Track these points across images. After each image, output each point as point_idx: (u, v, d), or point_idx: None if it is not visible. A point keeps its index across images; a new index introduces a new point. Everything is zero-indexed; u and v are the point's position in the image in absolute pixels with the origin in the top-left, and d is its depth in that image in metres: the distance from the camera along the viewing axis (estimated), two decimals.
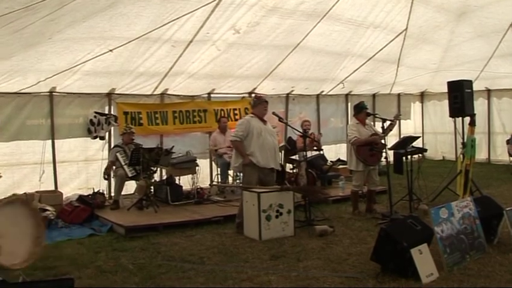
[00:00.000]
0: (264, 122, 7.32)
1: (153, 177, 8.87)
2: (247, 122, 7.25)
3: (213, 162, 10.85)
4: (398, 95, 14.92)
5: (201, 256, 6.06)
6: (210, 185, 10.61)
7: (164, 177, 9.66)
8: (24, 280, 4.99)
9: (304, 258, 5.83)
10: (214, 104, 11.23)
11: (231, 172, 10.21)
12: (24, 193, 8.58)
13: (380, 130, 8.00)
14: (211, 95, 11.23)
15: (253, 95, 11.11)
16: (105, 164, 9.29)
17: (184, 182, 9.60)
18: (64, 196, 8.89)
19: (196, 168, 9.51)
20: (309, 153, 8.58)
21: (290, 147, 10.02)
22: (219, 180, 10.32)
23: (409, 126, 15.26)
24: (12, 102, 8.68)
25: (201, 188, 9.60)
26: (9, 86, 8.20)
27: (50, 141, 9.28)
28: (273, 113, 7.60)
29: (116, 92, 9.87)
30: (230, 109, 11.39)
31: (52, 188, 9.20)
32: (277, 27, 9.29)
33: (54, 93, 9.21)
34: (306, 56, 10.65)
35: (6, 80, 8.07)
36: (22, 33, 6.20)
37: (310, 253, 6.05)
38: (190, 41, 8.78)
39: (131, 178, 8.95)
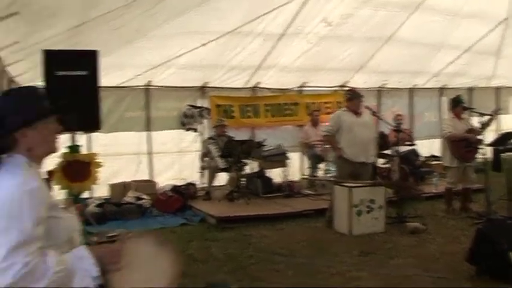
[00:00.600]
0: (359, 114, 7.21)
1: (245, 170, 9.06)
2: (337, 116, 7.26)
3: (303, 155, 10.83)
4: (497, 88, 14.03)
5: (291, 249, 6.12)
6: (300, 178, 10.63)
7: (255, 170, 9.80)
8: None
9: (395, 256, 5.72)
10: (305, 97, 11.21)
11: (321, 165, 10.16)
12: (122, 182, 9.10)
13: (477, 125, 7.61)
14: (303, 88, 11.20)
15: (345, 88, 10.96)
16: (197, 155, 9.58)
17: (275, 174, 9.68)
18: (158, 186, 9.28)
19: (287, 161, 9.55)
20: (402, 148, 8.33)
21: (382, 142, 9.78)
22: (310, 173, 10.31)
23: (508, 122, 14.27)
24: (112, 95, 9.15)
25: (292, 181, 9.61)
26: (109, 80, 8.64)
27: (146, 133, 9.74)
28: (366, 107, 7.48)
29: (209, 86, 10.13)
30: (322, 102, 11.30)
31: (147, 177, 9.64)
32: (370, 19, 9.10)
33: (150, 87, 9.67)
34: (399, 48, 10.33)
35: (107, 75, 8.49)
36: (121, 30, 6.54)
37: (402, 251, 5.93)
38: (282, 35, 8.83)
39: (223, 170, 9.16)
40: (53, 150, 2.11)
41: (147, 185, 9.10)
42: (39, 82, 7.22)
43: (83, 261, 1.94)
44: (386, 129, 9.19)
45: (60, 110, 2.15)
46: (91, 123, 4.79)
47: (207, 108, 10.07)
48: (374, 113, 7.60)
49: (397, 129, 7.89)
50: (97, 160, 4.39)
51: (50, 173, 4.06)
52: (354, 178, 7.04)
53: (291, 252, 5.98)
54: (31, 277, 1.78)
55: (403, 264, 5.44)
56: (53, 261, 1.86)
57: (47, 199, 1.94)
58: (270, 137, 10.14)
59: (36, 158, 2.03)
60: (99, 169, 4.48)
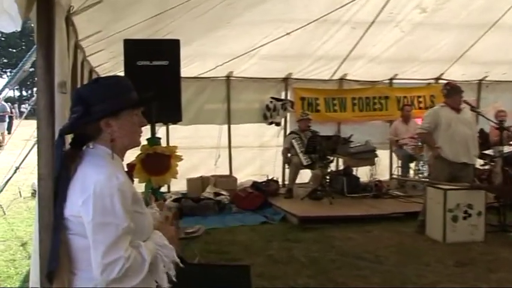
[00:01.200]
0: (458, 110, 6.91)
1: (329, 167, 8.98)
2: (434, 112, 7.02)
3: (393, 154, 10.56)
4: None
5: (378, 254, 5.97)
6: (389, 178, 10.36)
7: (341, 167, 9.67)
8: (199, 261, 5.39)
9: (496, 269, 5.41)
10: (396, 91, 10.91)
11: (412, 165, 9.86)
12: (201, 176, 9.27)
13: None
14: (394, 81, 10.90)
15: (440, 81, 10.53)
16: (279, 151, 9.59)
17: (362, 173, 9.52)
18: (238, 181, 9.38)
19: (376, 159, 9.37)
20: (505, 148, 7.88)
21: (482, 141, 9.30)
22: (400, 173, 10.04)
23: None
24: (192, 86, 9.32)
25: (380, 181, 9.40)
26: (189, 70, 8.83)
27: (226, 126, 9.89)
28: (465, 101, 7.13)
29: (292, 77, 10.11)
30: (414, 96, 10.95)
31: (227, 172, 9.78)
32: (470, 4, 8.61)
33: (231, 78, 9.78)
34: (504, 36, 9.73)
35: (187, 65, 8.66)
36: (203, 18, 6.60)
37: (505, 264, 5.61)
38: (372, 22, 8.59)
39: (306, 167, 9.13)
40: (136, 142, 2.16)
41: (226, 181, 9.23)
42: (120, 72, 7.52)
43: (166, 249, 2.06)
44: (487, 127, 8.75)
45: (146, 102, 2.21)
46: (172, 114, 4.86)
47: (290, 101, 10.06)
48: (473, 108, 7.27)
49: (500, 127, 7.46)
50: (178, 153, 4.45)
51: (131, 166, 4.16)
52: (452, 181, 6.75)
53: (377, 258, 5.83)
54: (132, 271, 1.87)
55: (505, 279, 5.12)
56: (147, 252, 1.94)
57: (132, 193, 1.98)
58: (357, 133, 9.92)
59: (119, 150, 2.07)
60: (179, 163, 4.55)
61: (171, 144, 8.33)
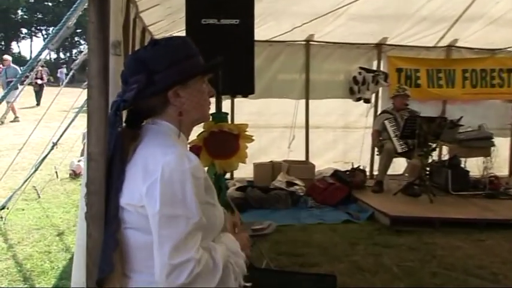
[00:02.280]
0: None
1: (431, 156, 8.78)
2: None
3: None
4: None
5: (494, 272, 5.75)
6: (509, 174, 10.05)
7: (445, 157, 9.42)
8: (268, 266, 5.38)
9: None
10: None
11: None
12: (271, 161, 9.28)
13: None
14: None
15: None
16: (368, 134, 9.45)
17: (472, 166, 9.27)
18: (316, 169, 9.36)
19: (492, 148, 9.10)
20: None
21: None
22: None
23: None
24: (263, 52, 9.33)
25: (496, 177, 9.14)
26: (260, 32, 8.71)
27: (303, 101, 9.87)
28: None
29: (387, 43, 9.93)
30: None
31: (303, 158, 9.79)
32: None
33: (311, 43, 9.70)
34: None
35: (258, 26, 8.49)
36: None
37: None
38: None
39: (401, 154, 8.98)
40: (205, 116, 2.16)
41: (302, 168, 9.22)
42: (178, 33, 7.57)
43: (238, 257, 2.08)
44: None
45: (217, 67, 2.18)
46: (242, 85, 4.82)
47: (384, 73, 9.89)
48: None
49: None
50: (247, 133, 4.41)
51: (197, 148, 4.15)
52: None
53: (494, 276, 5.61)
54: (201, 278, 1.84)
55: None
56: (220, 258, 1.92)
57: (204, 179, 1.96)
58: (468, 115, 9.61)
59: (185, 126, 2.08)
60: (248, 145, 4.51)
61: (236, 121, 8.41)
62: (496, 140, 9.27)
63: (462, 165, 9.16)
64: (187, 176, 1.84)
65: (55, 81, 36.73)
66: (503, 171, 10.05)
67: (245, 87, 4.86)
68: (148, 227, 1.85)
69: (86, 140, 2.29)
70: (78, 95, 9.46)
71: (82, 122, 9.23)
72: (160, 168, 1.83)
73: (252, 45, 4.84)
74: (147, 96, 1.98)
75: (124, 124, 2.05)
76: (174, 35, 7.96)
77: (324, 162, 9.74)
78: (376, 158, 9.45)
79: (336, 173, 9.08)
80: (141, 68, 1.99)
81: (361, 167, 9.45)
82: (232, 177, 9.04)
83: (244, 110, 9.02)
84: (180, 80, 2.00)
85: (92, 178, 2.04)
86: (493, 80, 10.38)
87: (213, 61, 2.16)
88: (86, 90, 2.07)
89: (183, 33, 6.98)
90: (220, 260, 1.91)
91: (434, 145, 8.72)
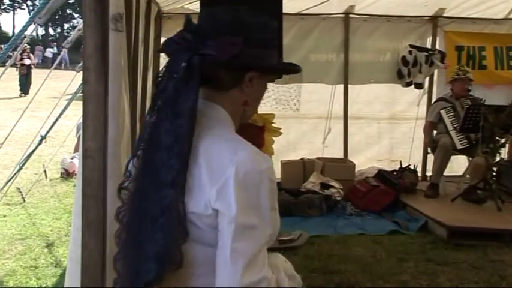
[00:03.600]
0: None
1: (499, 154, 8.69)
2: None
3: None
4: None
5: None
6: None
7: None
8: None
9: None
10: None
11: None
12: (302, 158, 9.28)
13: None
14: None
15: None
16: (421, 126, 9.45)
17: None
18: (356, 169, 9.37)
19: None
20: None
21: None
22: None
23: None
24: (293, 27, 9.33)
25: None
26: (289, 3, 8.74)
27: (341, 86, 9.84)
28: None
29: (445, 15, 9.88)
30: None
31: (340, 154, 9.80)
32: None
33: (351, 15, 9.68)
34: None
35: None
36: None
37: None
38: None
39: (462, 151, 8.95)
40: (250, 117, 2.20)
41: (340, 167, 9.24)
42: (188, 4, 7.61)
43: (294, 282, 2.22)
44: None
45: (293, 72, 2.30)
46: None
47: (440, 52, 9.81)
48: None
49: None
50: (273, 125, 4.44)
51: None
52: None
53: None
54: None
55: None
56: (285, 281, 2.02)
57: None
58: None
59: (240, 119, 2.10)
60: (275, 138, 4.51)
61: (260, 111, 8.42)
62: None
63: None
64: (264, 179, 1.85)
65: (43, 63, 36.86)
66: None
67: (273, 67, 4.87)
68: (213, 239, 1.84)
69: (80, 133, 2.29)
70: (71, 79, 9.50)
71: (76, 111, 9.32)
72: (234, 167, 1.82)
73: (281, 19, 4.85)
74: (233, 66, 1.97)
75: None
76: (185, 7, 8.00)
77: (366, 161, 9.78)
78: (430, 156, 9.37)
79: (381, 174, 9.06)
80: (241, 31, 1.96)
81: (411, 167, 9.40)
82: None
83: (270, 97, 9.01)
84: (267, 67, 2.05)
85: (88, 178, 2.06)
86: None
87: (296, 67, 2.22)
88: (81, 73, 2.08)
89: (196, 5, 7.03)
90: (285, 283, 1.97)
91: (503, 140, 8.64)
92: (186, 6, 8.08)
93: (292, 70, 2.20)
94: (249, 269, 1.76)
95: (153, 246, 1.81)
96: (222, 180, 1.80)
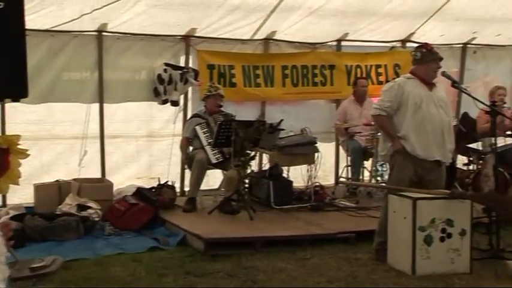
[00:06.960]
0: (431, 86, 7.05)
1: (250, 166, 8.93)
2: (398, 87, 7.07)
3: (340, 147, 10.73)
4: None
5: None
6: (335, 182, 10.51)
7: (266, 167, 9.68)
8: None
9: None
10: (346, 57, 11.15)
11: (368, 163, 10.05)
12: (57, 180, 9.00)
13: None
14: (343, 43, 11.13)
15: (408, 44, 10.79)
16: (177, 143, 9.54)
17: (296, 175, 9.63)
18: (115, 188, 9.25)
19: (316, 155, 9.44)
20: (500, 141, 8.15)
21: (466, 130, 9.62)
22: (350, 175, 10.24)
23: None
24: (43, 44, 9.03)
25: (322, 187, 9.57)
26: (38, 19, 8.46)
27: (96, 106, 9.66)
28: (443, 74, 7.29)
29: (196, 35, 10.04)
30: (371, 66, 11.26)
31: (98, 174, 9.63)
32: None
33: (104, 33, 9.54)
34: None
35: (36, 11, 8.27)
36: None
37: None
38: None
39: (216, 166, 9.12)
40: None
41: (97, 187, 9.12)
42: None
43: None
44: (474, 110, 9.01)
45: None
46: (11, 86, 4.56)
47: (193, 70, 9.97)
48: (455, 84, 7.47)
49: (493, 111, 7.64)
50: (19, 146, 4.25)
51: None
52: (420, 185, 6.92)
53: None
54: None
55: None
56: None
57: None
58: (290, 118, 10.06)
59: None
60: (22, 161, 4.32)
61: (8, 131, 8.07)
62: (321, 146, 9.65)
63: (285, 175, 9.47)
64: None
65: None
66: (329, 180, 10.55)
67: (14, 89, 4.63)
68: None
69: None
70: None
71: None
72: None
73: (23, 36, 4.64)
74: None
75: None
76: None
77: (125, 179, 9.68)
78: (188, 172, 9.48)
79: (139, 191, 8.99)
80: None
81: (169, 183, 9.42)
82: (4, 204, 8.64)
83: (20, 118, 8.70)
84: None
85: None
86: (315, 78, 10.85)
87: None
88: None
89: None
90: None
91: (252, 153, 8.90)
92: None
93: None
94: None
95: None
96: None
